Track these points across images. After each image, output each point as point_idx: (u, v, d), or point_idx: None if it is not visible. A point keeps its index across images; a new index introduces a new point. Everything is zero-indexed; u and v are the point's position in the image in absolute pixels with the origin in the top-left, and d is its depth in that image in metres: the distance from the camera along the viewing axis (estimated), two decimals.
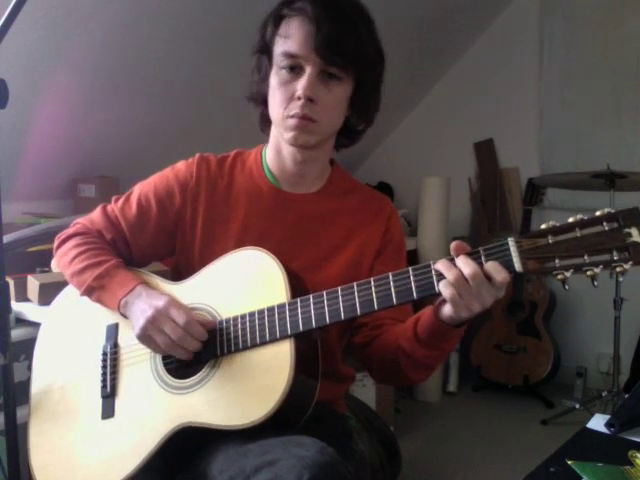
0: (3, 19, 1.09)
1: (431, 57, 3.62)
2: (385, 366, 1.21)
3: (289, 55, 1.17)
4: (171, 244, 1.32)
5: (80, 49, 2.13)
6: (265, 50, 1.23)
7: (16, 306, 1.81)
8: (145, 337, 1.14)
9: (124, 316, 1.20)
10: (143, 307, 1.15)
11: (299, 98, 1.16)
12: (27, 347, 1.56)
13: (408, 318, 1.18)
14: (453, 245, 1.00)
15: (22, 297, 1.86)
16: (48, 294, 1.68)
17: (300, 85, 1.16)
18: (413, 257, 3.27)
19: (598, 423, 1.42)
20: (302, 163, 1.27)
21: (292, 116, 1.18)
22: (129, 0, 2.09)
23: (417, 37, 3.33)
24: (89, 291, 1.24)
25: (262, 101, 1.26)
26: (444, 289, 0.98)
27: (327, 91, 1.17)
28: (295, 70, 1.17)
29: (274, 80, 1.20)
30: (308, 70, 1.16)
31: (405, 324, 1.16)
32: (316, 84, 1.16)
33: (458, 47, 3.70)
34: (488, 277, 0.96)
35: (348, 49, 1.15)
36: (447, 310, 1.03)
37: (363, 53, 1.18)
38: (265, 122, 1.30)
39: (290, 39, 1.17)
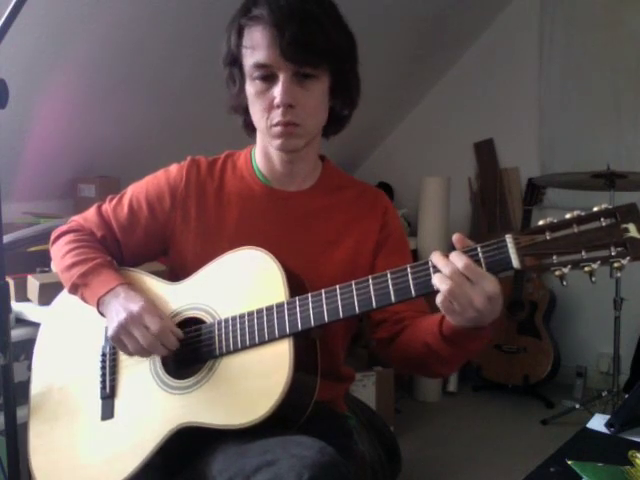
0: (3, 19, 1.09)
1: (431, 57, 3.62)
2: (412, 361, 1.20)
3: (260, 66, 1.15)
4: (161, 246, 1.33)
5: (80, 49, 2.14)
6: (234, 62, 1.21)
7: (16, 306, 1.81)
8: (116, 339, 1.16)
9: (102, 315, 1.21)
10: (118, 308, 1.16)
11: (278, 106, 1.15)
12: (27, 347, 1.56)
13: (424, 307, 1.19)
14: (455, 237, 1.00)
15: (22, 297, 1.86)
16: (48, 294, 1.68)
17: (277, 93, 1.14)
18: (413, 257, 3.27)
19: (598, 423, 1.41)
20: (290, 163, 1.27)
21: (276, 124, 1.17)
22: (129, 0, 2.09)
23: (417, 37, 3.33)
24: (74, 288, 1.25)
25: (243, 111, 1.25)
26: (440, 283, 0.97)
27: (305, 92, 1.16)
28: (269, 78, 1.16)
29: (250, 90, 1.19)
30: (281, 77, 1.14)
31: (431, 319, 1.14)
32: (292, 88, 1.15)
33: (458, 47, 3.70)
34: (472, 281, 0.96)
35: (316, 46, 1.13)
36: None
37: (333, 45, 1.15)
38: (250, 129, 1.29)
39: (257, 50, 1.15)
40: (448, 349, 1.09)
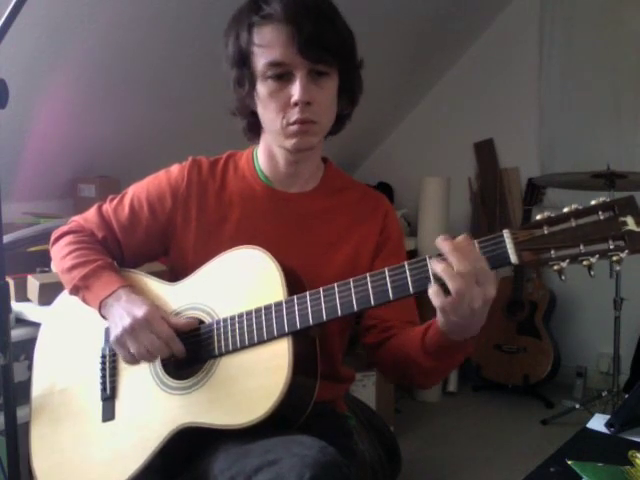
0: (3, 19, 1.09)
1: (431, 57, 3.62)
2: (396, 370, 1.22)
3: (275, 64, 1.14)
4: (162, 246, 1.32)
5: (80, 49, 2.14)
6: (244, 62, 1.18)
7: (16, 306, 1.81)
8: (119, 344, 1.15)
9: (104, 318, 1.20)
10: (121, 312, 1.15)
11: (296, 104, 1.14)
12: (27, 347, 1.56)
13: (414, 318, 1.19)
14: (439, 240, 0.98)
15: (22, 297, 1.86)
16: (48, 294, 1.68)
17: (294, 91, 1.13)
18: (413, 257, 3.26)
19: (598, 423, 1.41)
20: (295, 163, 1.26)
21: (293, 123, 1.16)
22: (129, 0, 2.09)
23: (417, 37, 3.33)
24: (75, 290, 1.24)
25: (249, 113, 1.24)
26: (449, 280, 0.95)
27: (320, 89, 1.16)
28: (283, 77, 1.15)
29: (263, 91, 1.17)
30: (298, 75, 1.13)
31: (414, 331, 1.14)
32: (308, 86, 1.14)
33: (458, 47, 3.70)
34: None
35: (331, 43, 1.13)
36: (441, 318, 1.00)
37: (343, 42, 1.17)
38: (253, 132, 1.28)
39: (271, 48, 1.14)
40: (430, 362, 1.10)
